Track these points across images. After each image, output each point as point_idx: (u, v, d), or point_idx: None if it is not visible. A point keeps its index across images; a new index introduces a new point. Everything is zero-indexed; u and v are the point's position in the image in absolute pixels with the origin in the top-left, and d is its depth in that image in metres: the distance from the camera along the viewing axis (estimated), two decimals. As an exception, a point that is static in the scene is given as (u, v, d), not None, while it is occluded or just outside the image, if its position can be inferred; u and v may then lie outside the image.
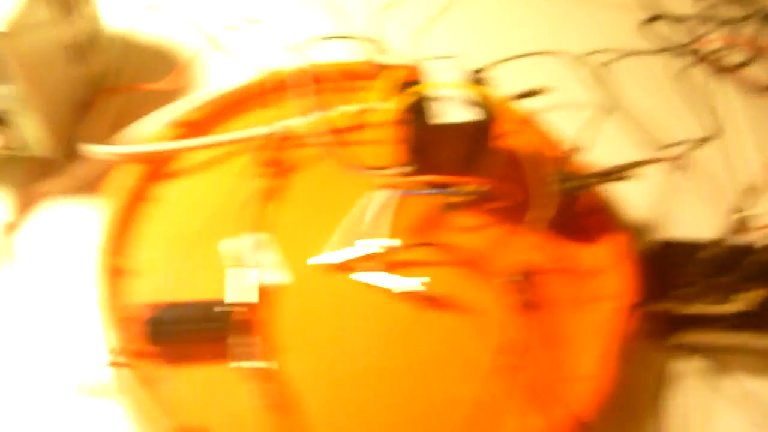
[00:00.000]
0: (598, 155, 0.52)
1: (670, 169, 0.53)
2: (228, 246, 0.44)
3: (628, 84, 0.60)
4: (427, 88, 0.44)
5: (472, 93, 0.43)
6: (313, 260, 0.44)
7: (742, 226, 0.44)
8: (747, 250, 0.44)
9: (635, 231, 0.49)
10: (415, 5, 0.65)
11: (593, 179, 0.43)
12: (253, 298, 0.41)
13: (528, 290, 0.43)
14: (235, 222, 0.44)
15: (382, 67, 0.54)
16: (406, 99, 0.44)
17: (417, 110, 0.44)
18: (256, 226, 0.45)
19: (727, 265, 0.43)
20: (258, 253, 0.44)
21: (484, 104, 0.43)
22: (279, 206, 0.47)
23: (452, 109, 0.43)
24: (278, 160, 0.49)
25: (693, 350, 0.43)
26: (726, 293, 0.40)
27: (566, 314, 0.43)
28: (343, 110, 0.51)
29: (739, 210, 0.44)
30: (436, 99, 0.44)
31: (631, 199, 0.51)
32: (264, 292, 0.42)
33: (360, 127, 0.51)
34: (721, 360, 0.43)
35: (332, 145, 0.44)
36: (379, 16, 0.54)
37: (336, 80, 0.53)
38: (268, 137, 0.48)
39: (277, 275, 0.43)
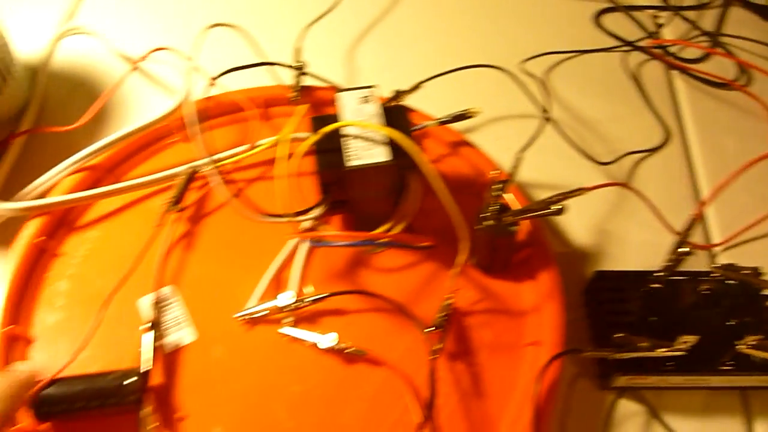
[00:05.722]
0: (540, 171, 0.49)
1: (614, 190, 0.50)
2: (146, 303, 0.42)
3: (573, 89, 0.56)
4: (338, 126, 0.40)
5: (384, 133, 0.40)
6: (237, 315, 0.41)
7: (681, 253, 0.41)
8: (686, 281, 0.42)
9: (574, 264, 0.46)
10: (336, 27, 0.60)
11: (523, 215, 0.40)
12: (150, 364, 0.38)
13: (451, 338, 0.40)
14: (147, 276, 0.42)
15: (306, 92, 0.51)
16: (315, 136, 0.40)
17: (327, 148, 0.40)
18: (170, 279, 0.43)
19: (665, 298, 0.41)
20: (171, 310, 0.42)
21: (398, 145, 0.40)
22: (193, 256, 0.44)
23: (368, 147, 0.40)
24: (192, 204, 0.46)
25: (632, 392, 0.41)
26: (660, 336, 0.37)
27: (493, 361, 0.40)
28: (260, 144, 0.48)
29: (681, 236, 0.41)
30: (348, 136, 0.41)
31: (570, 225, 0.48)
32: (177, 353, 0.40)
33: (273, 162, 0.48)
34: (658, 401, 0.41)
35: (242, 188, 0.40)
36: (299, 39, 0.51)
37: (255, 109, 0.50)
38: (182, 179, 0.45)
39: (190, 334, 0.41)
